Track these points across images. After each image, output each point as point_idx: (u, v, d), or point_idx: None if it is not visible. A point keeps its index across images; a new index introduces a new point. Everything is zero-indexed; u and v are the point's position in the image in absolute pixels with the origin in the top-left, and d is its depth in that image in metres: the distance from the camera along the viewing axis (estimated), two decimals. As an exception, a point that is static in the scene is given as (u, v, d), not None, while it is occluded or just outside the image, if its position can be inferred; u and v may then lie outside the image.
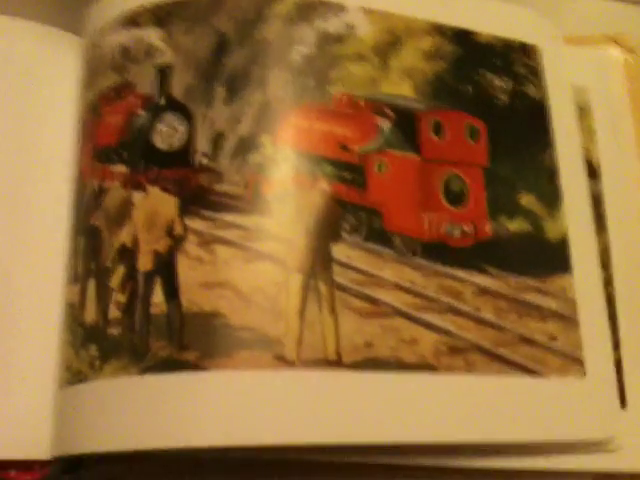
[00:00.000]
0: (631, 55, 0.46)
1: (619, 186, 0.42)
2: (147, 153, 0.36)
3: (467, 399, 0.34)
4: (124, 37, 0.37)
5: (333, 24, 0.37)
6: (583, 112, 0.43)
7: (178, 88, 0.36)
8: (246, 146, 0.35)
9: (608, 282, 0.40)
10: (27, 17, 0.41)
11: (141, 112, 0.37)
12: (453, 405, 0.34)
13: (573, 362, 0.36)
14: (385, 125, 0.38)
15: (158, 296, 0.34)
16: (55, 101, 0.40)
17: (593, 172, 0.42)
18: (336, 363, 0.33)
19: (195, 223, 0.34)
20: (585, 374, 0.36)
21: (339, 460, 0.34)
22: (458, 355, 0.35)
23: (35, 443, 0.35)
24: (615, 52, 0.46)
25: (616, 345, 0.39)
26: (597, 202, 0.41)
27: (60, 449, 0.34)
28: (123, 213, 0.35)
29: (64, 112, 0.40)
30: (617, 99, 0.44)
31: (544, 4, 0.51)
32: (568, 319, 0.37)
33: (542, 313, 0.37)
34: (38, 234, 0.38)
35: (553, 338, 0.37)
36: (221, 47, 0.36)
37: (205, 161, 0.35)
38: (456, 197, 0.38)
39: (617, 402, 0.38)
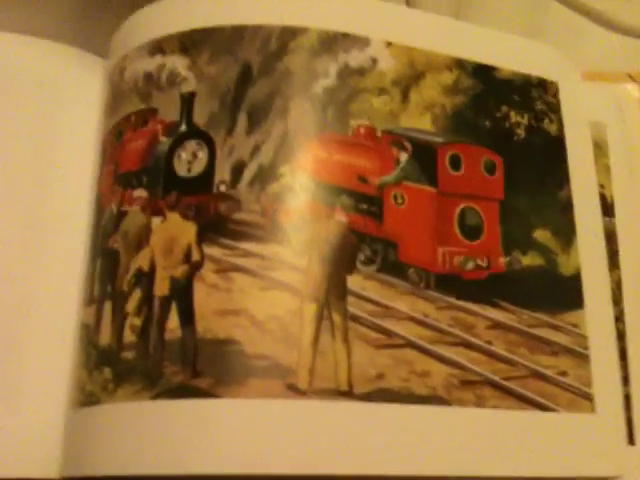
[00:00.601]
0: (648, 92, 0.46)
1: (633, 223, 0.42)
2: (167, 179, 0.37)
3: (477, 433, 0.34)
4: (149, 64, 0.38)
5: (356, 57, 0.38)
6: (599, 148, 0.43)
7: (200, 116, 0.37)
8: (265, 175, 0.36)
9: (619, 318, 0.40)
10: (54, 38, 0.42)
11: (163, 138, 0.37)
12: (463, 438, 0.34)
13: (583, 398, 0.36)
14: (403, 158, 0.38)
15: (173, 322, 0.34)
16: (78, 123, 0.40)
17: (607, 208, 0.42)
18: (347, 394, 0.33)
19: (213, 250, 0.35)
20: (595, 410, 0.36)
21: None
22: (469, 388, 0.35)
23: (45, 463, 0.35)
24: (632, 88, 0.46)
25: (626, 381, 0.39)
26: (611, 238, 0.41)
27: (69, 470, 0.34)
28: (141, 237, 0.36)
29: (86, 134, 0.40)
30: (633, 136, 0.45)
31: (563, 39, 0.51)
32: (579, 355, 0.37)
33: (553, 348, 0.37)
34: (56, 254, 0.38)
35: (564, 373, 0.37)
36: (244, 77, 0.37)
37: (224, 189, 0.36)
38: (471, 230, 0.39)
39: (625, 439, 0.37)
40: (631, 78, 0.46)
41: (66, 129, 0.40)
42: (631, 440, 0.38)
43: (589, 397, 0.37)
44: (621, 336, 0.39)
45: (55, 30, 0.44)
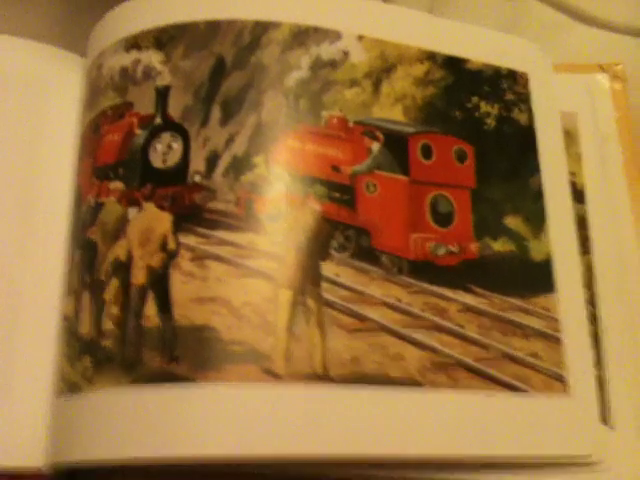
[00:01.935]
0: (618, 82, 0.47)
1: (604, 209, 0.43)
2: (143, 171, 0.38)
3: (451, 414, 0.35)
4: (125, 59, 0.39)
5: (328, 50, 0.39)
6: (571, 137, 0.44)
7: (175, 109, 0.37)
8: (240, 166, 0.36)
9: (591, 302, 0.41)
10: (33, 37, 0.43)
11: (139, 131, 0.38)
12: (438, 420, 0.35)
13: (555, 379, 0.37)
14: (375, 147, 0.39)
15: (151, 309, 0.35)
16: (57, 119, 0.41)
17: (579, 195, 0.43)
18: (323, 377, 0.34)
19: (188, 239, 0.35)
20: (567, 391, 0.37)
21: (326, 473, 0.35)
22: (442, 371, 0.36)
23: (30, 452, 0.36)
24: (603, 79, 0.47)
25: (598, 363, 0.39)
26: (582, 224, 0.42)
27: (54, 457, 0.35)
28: (118, 228, 0.36)
29: (66, 129, 0.41)
30: (604, 125, 0.46)
31: (540, 34, 0.52)
32: (551, 337, 0.38)
33: (526, 332, 0.38)
34: (39, 247, 0.39)
35: (536, 356, 0.38)
36: (218, 70, 0.38)
37: (199, 179, 0.36)
38: (443, 217, 0.39)
39: (599, 419, 0.38)
40: (601, 69, 0.47)
41: (48, 125, 0.41)
42: (604, 420, 0.39)
43: (561, 379, 0.37)
44: (594, 319, 0.40)
45: (36, 30, 0.44)
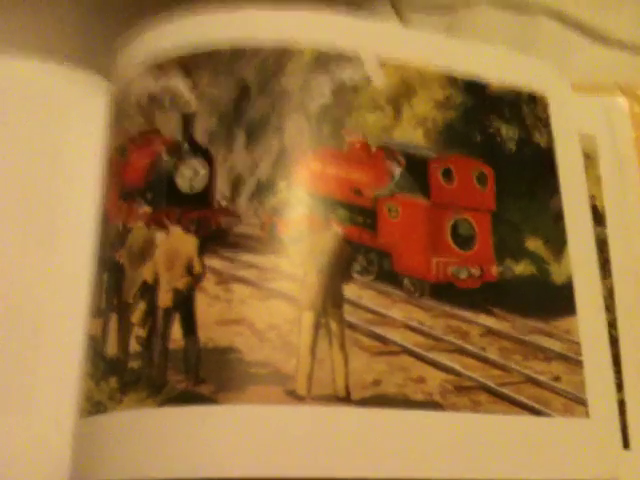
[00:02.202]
0: (637, 103, 0.47)
1: (624, 232, 0.43)
2: (170, 195, 0.39)
3: (472, 437, 0.35)
4: (152, 85, 0.40)
5: (349, 75, 0.39)
6: (590, 159, 0.44)
7: (201, 133, 0.38)
8: (264, 189, 0.37)
9: (612, 324, 0.41)
10: (48, 51, 0.44)
11: (166, 156, 0.39)
12: (458, 443, 0.35)
13: (577, 403, 0.37)
14: (397, 171, 0.40)
15: (176, 332, 0.35)
16: (83, 142, 0.42)
17: (599, 218, 0.43)
18: (345, 399, 0.34)
19: (214, 262, 0.36)
20: (589, 414, 0.37)
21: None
22: (464, 394, 0.36)
23: (55, 471, 0.36)
24: (622, 101, 0.47)
25: (619, 386, 0.39)
26: (602, 247, 0.42)
27: (79, 476, 0.36)
28: (145, 251, 0.37)
29: (91, 152, 0.42)
30: (623, 147, 0.46)
31: (554, 54, 0.53)
32: (572, 360, 0.38)
33: (546, 354, 0.38)
34: (64, 268, 0.39)
35: (557, 379, 0.38)
36: (243, 96, 0.38)
37: (224, 203, 0.37)
38: (464, 240, 0.40)
39: (620, 442, 0.38)
40: (621, 91, 0.48)
41: (73, 148, 0.42)
42: (626, 444, 0.38)
43: (583, 402, 0.37)
44: (614, 342, 0.40)
45: (63, 52, 0.45)
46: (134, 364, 0.35)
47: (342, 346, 0.35)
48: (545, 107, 0.43)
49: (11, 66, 0.43)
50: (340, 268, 0.36)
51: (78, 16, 0.49)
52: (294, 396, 0.33)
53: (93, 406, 0.36)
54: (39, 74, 0.43)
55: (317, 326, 0.35)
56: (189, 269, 0.36)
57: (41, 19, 0.48)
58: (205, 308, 0.35)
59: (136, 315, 0.36)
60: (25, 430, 0.37)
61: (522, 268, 0.40)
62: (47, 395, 0.37)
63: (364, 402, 0.34)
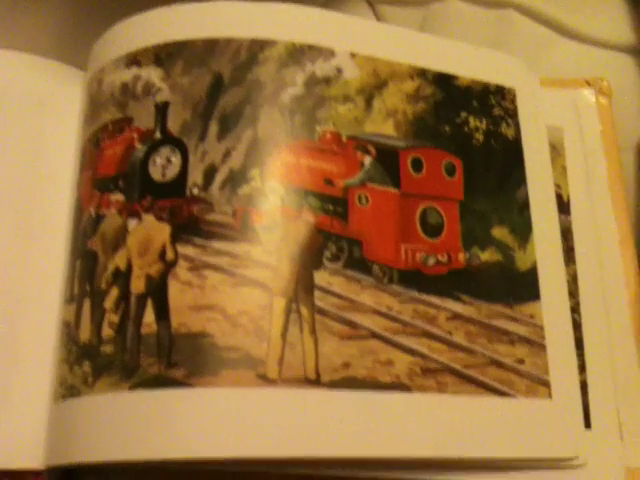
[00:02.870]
0: (603, 97, 0.48)
1: (588, 220, 0.44)
2: (143, 183, 0.39)
3: (439, 417, 0.36)
4: (126, 75, 0.40)
5: (322, 67, 0.40)
6: (556, 150, 0.46)
7: (174, 123, 0.39)
8: (236, 179, 0.38)
9: (575, 309, 0.42)
10: (33, 50, 0.44)
11: (138, 145, 0.40)
12: (425, 423, 0.36)
13: (540, 384, 0.38)
14: (367, 161, 0.41)
15: (149, 317, 0.36)
16: (58, 132, 0.42)
17: (564, 207, 0.44)
18: (315, 382, 0.35)
19: (186, 249, 0.37)
20: (551, 395, 0.38)
21: (318, 473, 0.36)
22: (431, 376, 0.37)
23: (30, 454, 0.37)
24: (588, 94, 0.48)
25: (582, 368, 0.41)
26: (567, 235, 0.44)
27: (53, 459, 0.36)
28: (118, 239, 0.38)
29: (66, 142, 0.42)
30: (589, 138, 0.47)
31: (525, 47, 0.54)
32: (536, 344, 0.39)
33: (511, 338, 0.39)
34: (39, 256, 0.40)
35: (521, 361, 0.39)
36: (216, 86, 0.39)
37: (197, 192, 0.38)
38: (432, 229, 0.41)
39: (582, 422, 0.39)
40: (587, 83, 0.49)
41: (48, 138, 0.42)
42: (588, 424, 0.40)
43: (546, 383, 0.39)
44: (578, 326, 0.42)
45: (38, 45, 0.46)
46: (107, 349, 0.36)
47: (312, 331, 0.36)
48: (513, 99, 0.44)
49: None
50: (311, 256, 0.37)
51: (57, 11, 0.49)
52: (265, 379, 0.34)
53: (67, 390, 0.36)
54: (14, 65, 0.43)
55: (288, 312, 0.36)
56: (162, 256, 0.37)
57: (19, 14, 0.49)
58: (178, 294, 0.36)
59: (109, 301, 0.37)
60: (3, 416, 0.37)
61: (488, 255, 0.41)
62: (24, 380, 0.38)
63: (334, 384, 0.35)
